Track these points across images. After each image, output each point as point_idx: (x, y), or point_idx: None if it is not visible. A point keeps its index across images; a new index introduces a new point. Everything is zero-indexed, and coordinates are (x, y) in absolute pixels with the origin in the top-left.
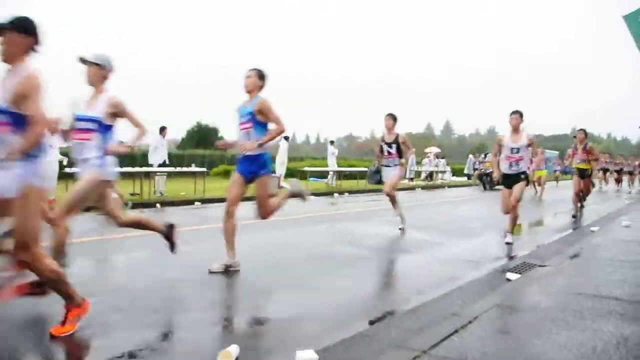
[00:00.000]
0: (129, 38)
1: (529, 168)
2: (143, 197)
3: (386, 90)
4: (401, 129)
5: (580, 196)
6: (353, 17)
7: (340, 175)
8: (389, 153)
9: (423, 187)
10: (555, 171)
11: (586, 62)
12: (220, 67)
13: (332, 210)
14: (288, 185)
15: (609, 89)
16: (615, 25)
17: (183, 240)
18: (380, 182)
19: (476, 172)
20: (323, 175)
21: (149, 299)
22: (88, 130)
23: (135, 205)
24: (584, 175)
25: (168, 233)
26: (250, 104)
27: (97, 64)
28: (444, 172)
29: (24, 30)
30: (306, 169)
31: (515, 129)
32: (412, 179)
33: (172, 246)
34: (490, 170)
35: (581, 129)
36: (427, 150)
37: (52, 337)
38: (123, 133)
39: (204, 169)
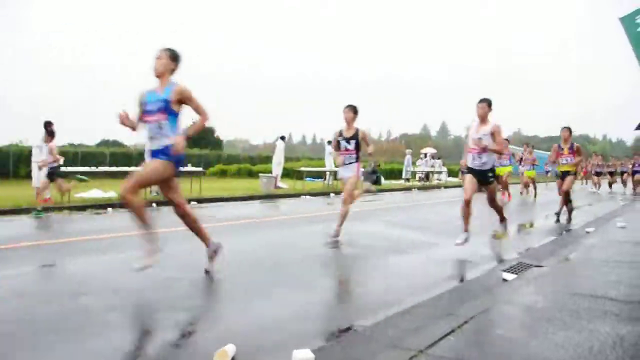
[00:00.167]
0: (129, 38)
1: (519, 165)
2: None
3: (386, 90)
4: (398, 130)
5: (566, 197)
6: (353, 17)
7: (337, 176)
8: (347, 149)
9: (419, 188)
10: (547, 172)
11: (582, 63)
12: (215, 66)
13: (328, 211)
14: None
15: (604, 91)
16: (613, 27)
17: (179, 239)
18: (376, 182)
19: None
20: (319, 175)
21: (146, 298)
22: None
23: None
24: (566, 175)
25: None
26: (163, 91)
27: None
28: (440, 172)
29: None
30: (302, 169)
31: (483, 120)
32: (408, 180)
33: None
34: None
35: (565, 127)
36: (423, 150)
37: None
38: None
39: (200, 169)
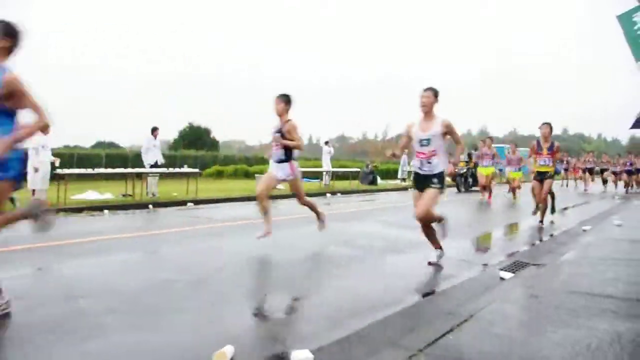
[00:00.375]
0: (129, 38)
1: (477, 168)
2: (135, 198)
3: (386, 90)
4: (395, 130)
5: (545, 202)
6: (353, 17)
7: (333, 176)
8: (277, 145)
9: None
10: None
11: (582, 64)
12: (215, 66)
13: (325, 211)
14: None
15: (601, 90)
16: (613, 27)
17: (176, 241)
18: (372, 182)
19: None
20: (316, 175)
21: (143, 300)
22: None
23: (128, 207)
24: (544, 177)
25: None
26: None
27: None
28: None
29: None
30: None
31: (427, 114)
32: (404, 180)
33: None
34: (464, 170)
35: (546, 123)
36: None
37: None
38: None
39: (197, 170)
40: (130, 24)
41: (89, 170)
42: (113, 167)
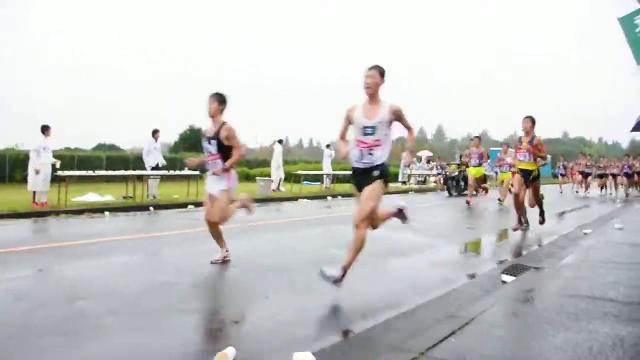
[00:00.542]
0: (129, 38)
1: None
2: (136, 200)
3: (385, 90)
4: (395, 133)
5: (524, 208)
6: (353, 17)
7: (334, 179)
8: (210, 154)
9: (416, 191)
10: (497, 173)
11: (582, 63)
12: (215, 67)
13: (326, 214)
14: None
15: (601, 91)
16: (613, 27)
17: (176, 243)
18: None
19: (439, 176)
20: (317, 178)
21: (143, 302)
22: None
23: (128, 209)
24: (528, 178)
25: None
26: None
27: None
28: (436, 175)
29: None
30: (299, 172)
31: (372, 97)
32: (404, 182)
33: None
34: (456, 173)
35: (527, 116)
36: (419, 154)
37: None
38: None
39: (197, 173)
40: (130, 24)
41: (90, 173)
42: (114, 170)
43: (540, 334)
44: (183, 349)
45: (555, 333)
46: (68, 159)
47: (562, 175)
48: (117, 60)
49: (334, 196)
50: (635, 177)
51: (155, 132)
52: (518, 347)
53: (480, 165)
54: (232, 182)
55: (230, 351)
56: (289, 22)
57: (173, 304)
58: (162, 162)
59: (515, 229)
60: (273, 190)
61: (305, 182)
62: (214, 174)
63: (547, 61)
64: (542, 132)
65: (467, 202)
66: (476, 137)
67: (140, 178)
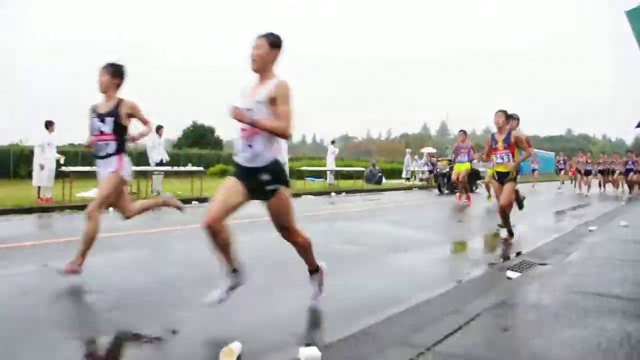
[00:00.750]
0: (128, 38)
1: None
2: (140, 196)
3: (386, 90)
4: (399, 130)
5: (503, 214)
6: (353, 17)
7: (338, 175)
8: (101, 132)
9: (420, 187)
10: (533, 170)
11: (582, 63)
12: (215, 67)
13: (330, 210)
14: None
15: (606, 89)
16: (613, 27)
17: (182, 238)
18: (378, 182)
19: (431, 174)
20: (320, 175)
21: (150, 297)
22: None
23: None
24: (504, 180)
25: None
26: None
27: None
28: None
29: None
30: (303, 168)
31: (261, 73)
32: (408, 179)
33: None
34: (447, 169)
35: (500, 110)
36: (422, 150)
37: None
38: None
39: (201, 168)
40: (130, 24)
41: (94, 168)
42: None
43: (547, 330)
44: (190, 343)
45: (562, 329)
46: (72, 154)
47: (561, 170)
48: (117, 60)
49: (338, 192)
50: (634, 176)
51: (159, 128)
52: (524, 342)
53: (470, 161)
54: (123, 168)
55: (236, 346)
56: (289, 22)
57: (180, 299)
58: (166, 157)
59: (506, 241)
60: None
61: (308, 178)
62: (98, 155)
63: (551, 58)
64: (547, 129)
65: (467, 199)
66: (461, 131)
67: (144, 174)
